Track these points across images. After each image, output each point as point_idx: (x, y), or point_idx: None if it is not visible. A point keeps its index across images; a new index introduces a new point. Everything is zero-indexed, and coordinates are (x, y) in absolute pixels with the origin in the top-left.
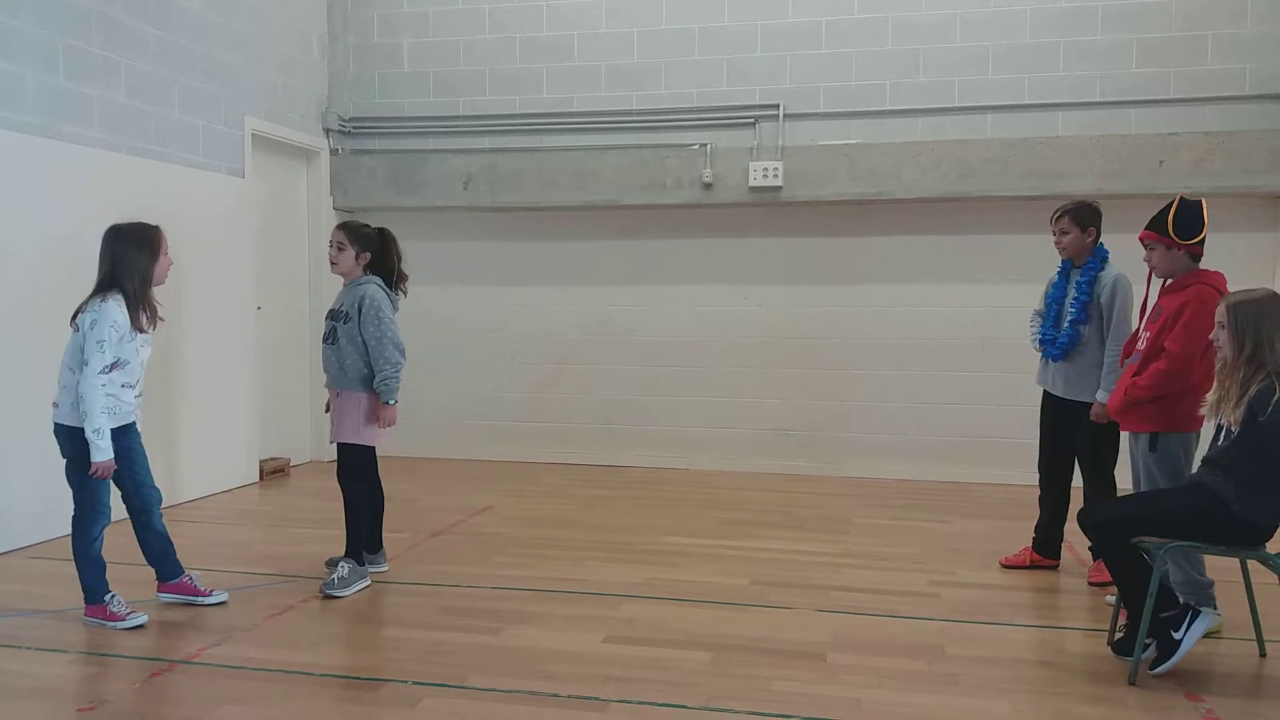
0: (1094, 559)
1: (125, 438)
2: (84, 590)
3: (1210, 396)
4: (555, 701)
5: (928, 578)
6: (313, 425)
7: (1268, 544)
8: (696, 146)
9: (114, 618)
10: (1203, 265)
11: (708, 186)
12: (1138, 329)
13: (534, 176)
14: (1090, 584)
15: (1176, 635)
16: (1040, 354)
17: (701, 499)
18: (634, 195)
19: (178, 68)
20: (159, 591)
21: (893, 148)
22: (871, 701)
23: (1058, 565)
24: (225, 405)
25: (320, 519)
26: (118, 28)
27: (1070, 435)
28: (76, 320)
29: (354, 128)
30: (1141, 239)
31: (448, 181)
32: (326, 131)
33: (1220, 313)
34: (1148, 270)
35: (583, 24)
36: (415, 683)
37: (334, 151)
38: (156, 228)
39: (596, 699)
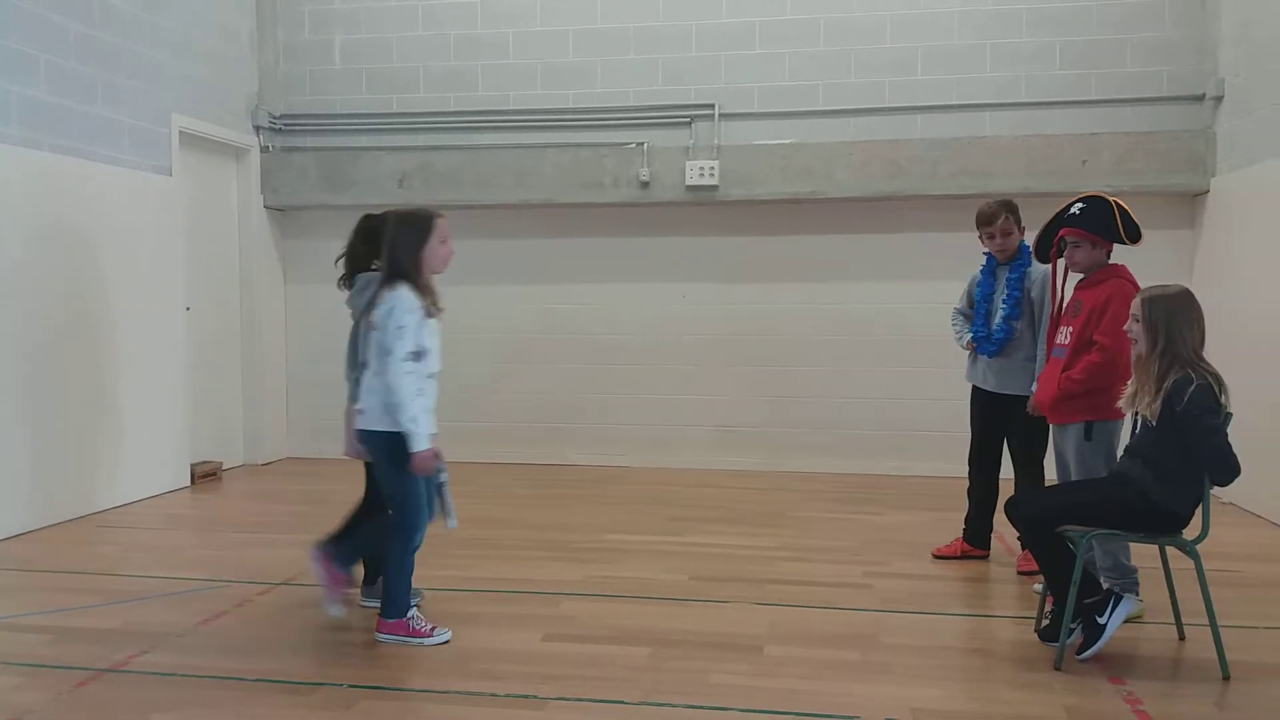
0: (1022, 548)
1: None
2: (391, 604)
3: (1128, 388)
4: (493, 701)
5: (862, 569)
6: (244, 428)
7: (1184, 531)
8: (633, 146)
9: (418, 634)
10: (1113, 260)
11: (645, 185)
12: (1054, 323)
13: (471, 175)
14: (1019, 573)
15: (1100, 620)
16: (973, 350)
17: (643, 497)
18: (572, 194)
19: (101, 63)
20: (364, 599)
21: (825, 147)
22: (807, 692)
23: (988, 555)
24: (155, 408)
25: (254, 523)
26: (36, 21)
27: (1001, 428)
28: (370, 318)
29: (285, 125)
30: (1066, 236)
31: (382, 179)
32: (256, 129)
33: (1135, 307)
34: (1063, 266)
35: (518, 22)
36: (351, 686)
37: (264, 149)
38: (433, 213)
39: (535, 697)
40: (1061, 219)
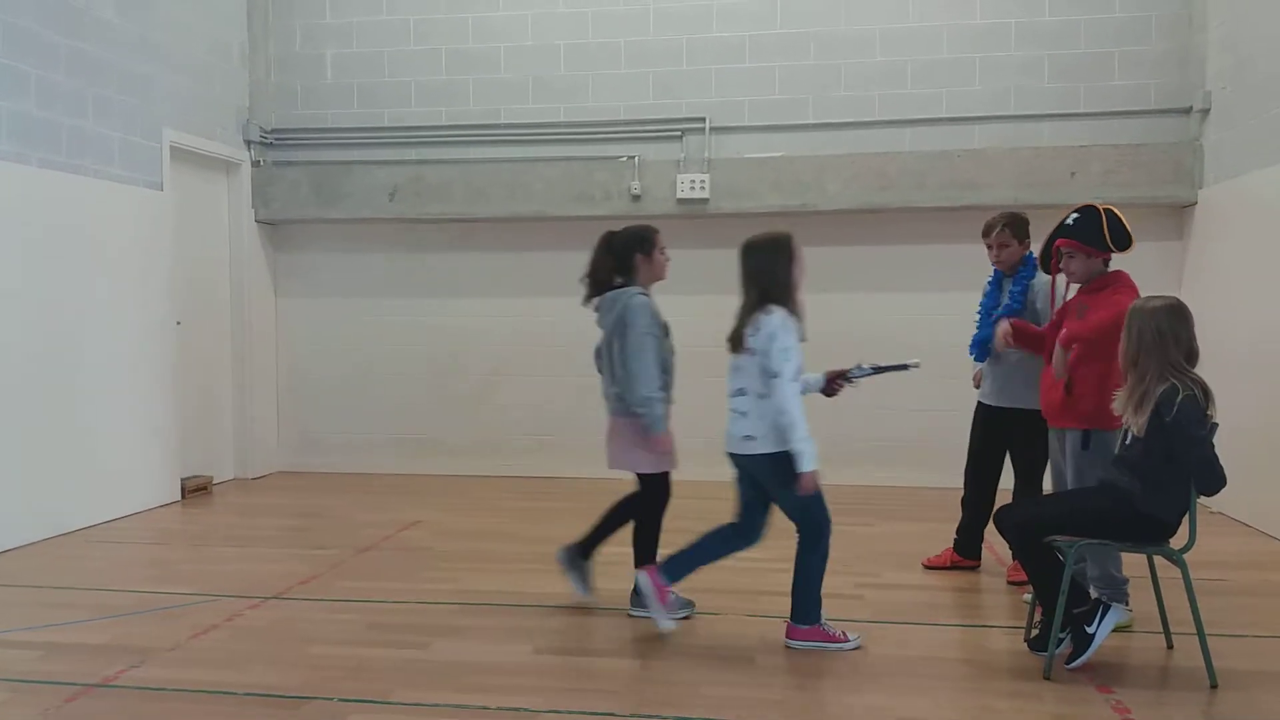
0: (1013, 558)
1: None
2: (804, 611)
3: (1120, 395)
4: (483, 714)
5: (853, 580)
6: (235, 442)
7: (1172, 540)
8: (624, 159)
9: (834, 639)
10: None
11: (636, 198)
12: (1055, 329)
13: (462, 188)
14: (1009, 583)
15: (1089, 630)
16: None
17: None
18: (563, 207)
19: (91, 78)
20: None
21: (815, 160)
22: (798, 702)
23: (978, 566)
24: (145, 422)
25: (244, 537)
26: (26, 36)
27: (1001, 441)
28: (748, 343)
29: (276, 139)
30: (1060, 247)
31: (373, 193)
32: (247, 143)
33: (1126, 318)
34: (1059, 281)
35: (509, 37)
36: (341, 699)
37: (255, 163)
38: (787, 234)
39: (526, 710)
40: (1058, 230)
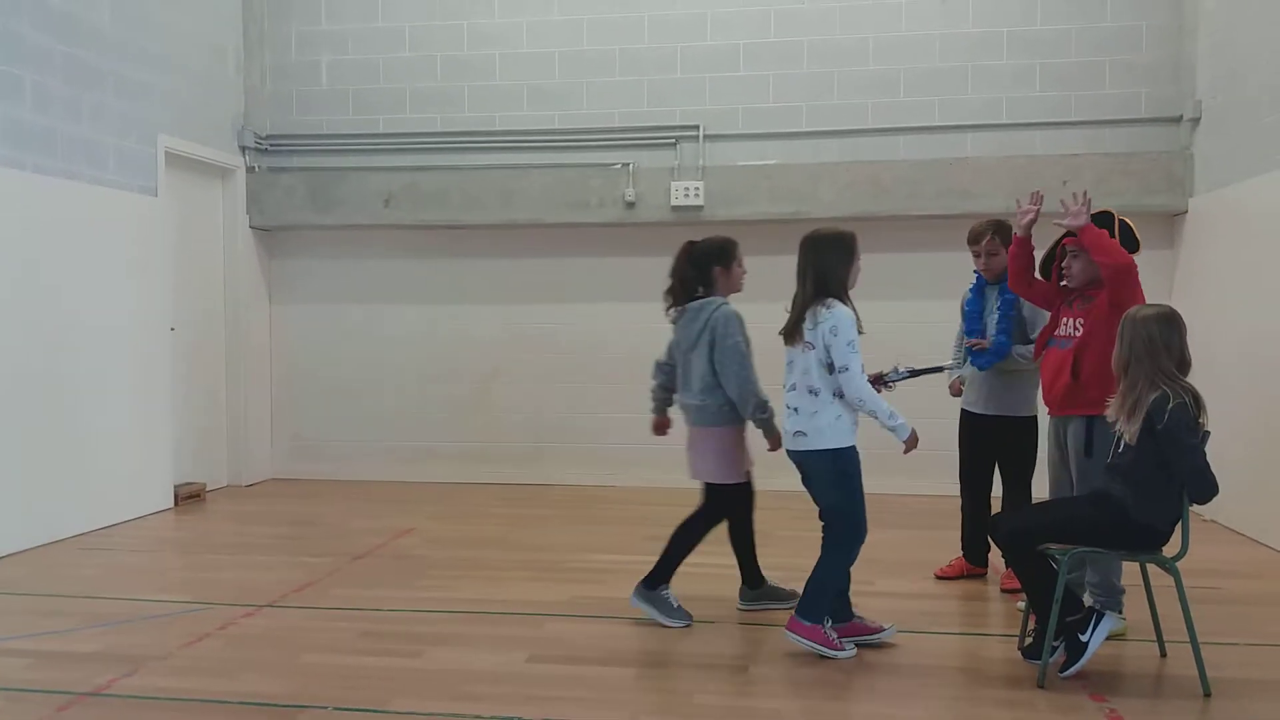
0: (1006, 566)
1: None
2: (811, 607)
3: (1113, 402)
4: None
5: None
6: (229, 449)
7: (1165, 548)
8: (619, 166)
9: (830, 645)
10: None
11: (630, 206)
12: (1054, 322)
13: (457, 194)
14: (1002, 590)
15: (1083, 638)
16: (966, 364)
17: (628, 516)
18: (558, 214)
19: (87, 84)
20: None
21: (809, 168)
22: (792, 711)
23: (985, 573)
24: (139, 429)
25: (238, 545)
26: (21, 42)
27: (990, 449)
28: (805, 338)
29: (271, 145)
30: (1067, 245)
31: (368, 199)
32: (242, 149)
33: (1120, 324)
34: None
35: (504, 44)
36: (335, 708)
37: (250, 169)
38: (851, 233)
39: (519, 718)
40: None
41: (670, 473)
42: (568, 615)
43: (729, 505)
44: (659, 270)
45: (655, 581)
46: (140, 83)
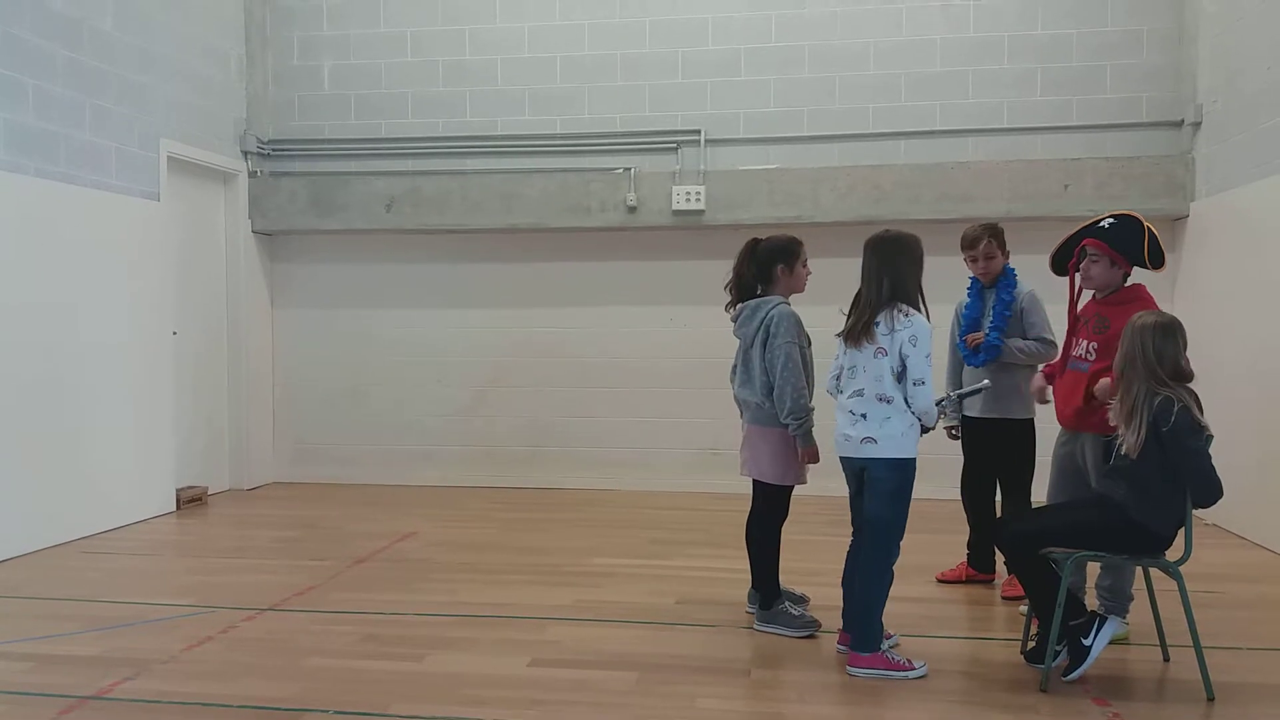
0: (1008, 573)
1: None
2: (865, 638)
3: (1113, 407)
4: None
5: None
6: (231, 453)
7: (1167, 552)
8: (620, 170)
9: (898, 667)
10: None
11: (632, 210)
12: (1073, 336)
13: (459, 199)
14: (1004, 598)
15: (1085, 642)
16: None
17: (629, 520)
18: (559, 218)
19: (89, 89)
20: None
21: (810, 172)
22: (794, 715)
23: (994, 579)
24: (141, 433)
25: (239, 548)
26: (23, 46)
27: (990, 452)
28: (878, 340)
29: (273, 150)
30: (1087, 246)
31: (370, 204)
32: (245, 154)
33: (1123, 331)
34: (1076, 281)
35: (505, 49)
36: (337, 712)
37: (252, 174)
38: (916, 236)
39: None
40: (1088, 229)
41: (670, 477)
42: (569, 619)
43: (781, 505)
44: (660, 274)
45: (769, 600)
46: (142, 87)
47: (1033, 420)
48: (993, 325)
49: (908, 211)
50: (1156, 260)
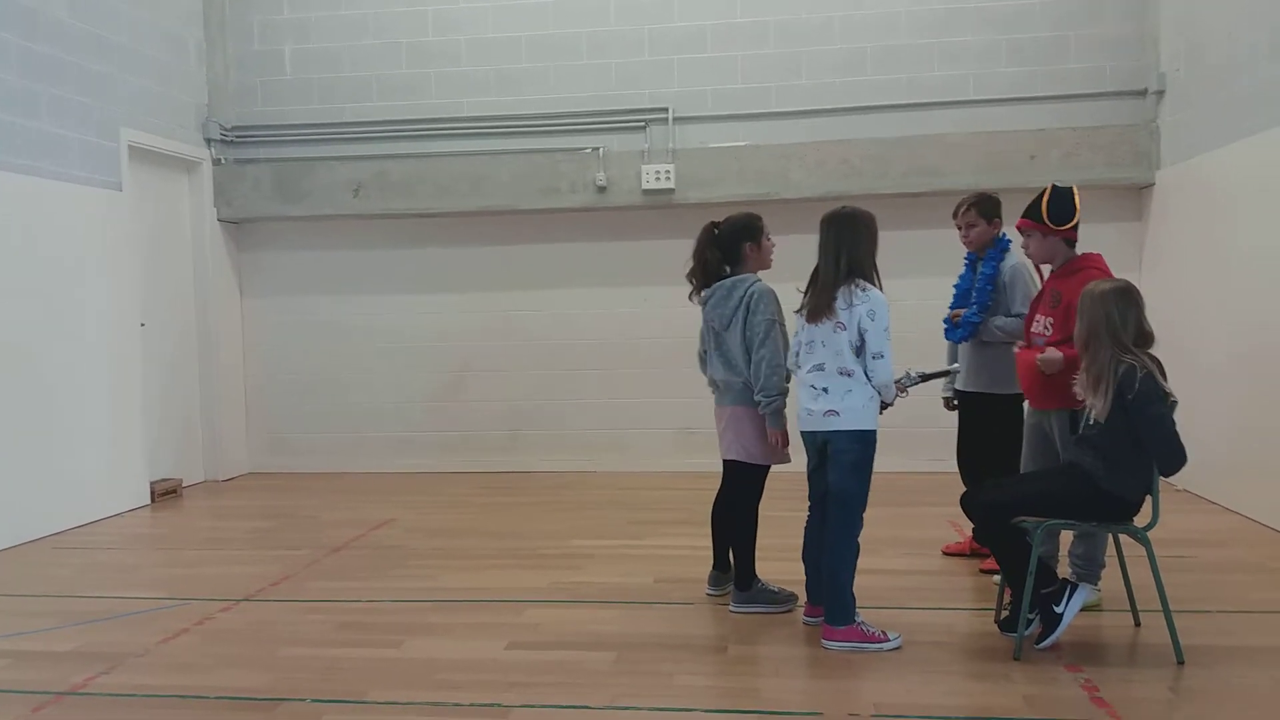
0: (978, 543)
1: None
2: (838, 611)
3: (1079, 378)
4: (457, 711)
5: None
6: (204, 444)
7: (1136, 518)
8: (589, 150)
9: (873, 639)
10: (1085, 249)
11: (602, 190)
12: (1032, 313)
13: (427, 182)
14: (982, 571)
15: (1057, 610)
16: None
17: (606, 501)
18: (529, 200)
19: (45, 78)
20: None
21: (779, 149)
22: (770, 690)
23: None
24: (112, 426)
25: (214, 540)
26: None
27: (977, 426)
28: (838, 315)
29: (236, 137)
30: (1018, 227)
31: (336, 189)
32: (208, 141)
33: (1079, 300)
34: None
35: (469, 29)
36: (314, 700)
37: (216, 161)
38: (870, 213)
39: (499, 705)
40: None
41: (646, 458)
42: (547, 601)
43: (760, 486)
44: (632, 254)
45: (746, 581)
46: (101, 76)
47: (1020, 396)
48: (975, 300)
49: (877, 186)
50: (1057, 217)
